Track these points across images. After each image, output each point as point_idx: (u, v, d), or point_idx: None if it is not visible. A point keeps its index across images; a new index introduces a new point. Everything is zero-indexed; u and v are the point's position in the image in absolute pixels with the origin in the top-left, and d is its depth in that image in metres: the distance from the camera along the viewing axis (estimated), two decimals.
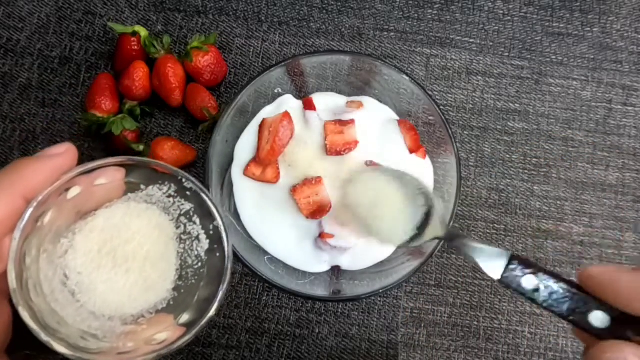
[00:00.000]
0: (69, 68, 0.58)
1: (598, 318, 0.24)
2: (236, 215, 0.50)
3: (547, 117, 0.59)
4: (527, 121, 0.59)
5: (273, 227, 0.49)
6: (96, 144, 0.56)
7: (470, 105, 0.59)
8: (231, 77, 0.58)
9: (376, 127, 0.51)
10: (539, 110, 0.59)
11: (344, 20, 0.60)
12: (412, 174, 0.44)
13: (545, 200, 0.57)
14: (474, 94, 0.59)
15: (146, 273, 0.36)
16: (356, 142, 0.49)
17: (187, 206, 0.38)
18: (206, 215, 0.38)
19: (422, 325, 0.54)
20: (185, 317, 0.36)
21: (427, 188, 0.41)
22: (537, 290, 0.26)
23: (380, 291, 0.45)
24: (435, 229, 0.39)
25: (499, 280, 0.28)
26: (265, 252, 0.50)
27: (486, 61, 0.60)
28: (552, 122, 0.59)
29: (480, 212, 0.56)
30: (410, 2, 0.61)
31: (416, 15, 0.61)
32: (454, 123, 0.58)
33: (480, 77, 0.59)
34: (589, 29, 0.61)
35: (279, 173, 0.49)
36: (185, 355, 0.52)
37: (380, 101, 0.53)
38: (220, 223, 0.38)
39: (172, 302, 0.37)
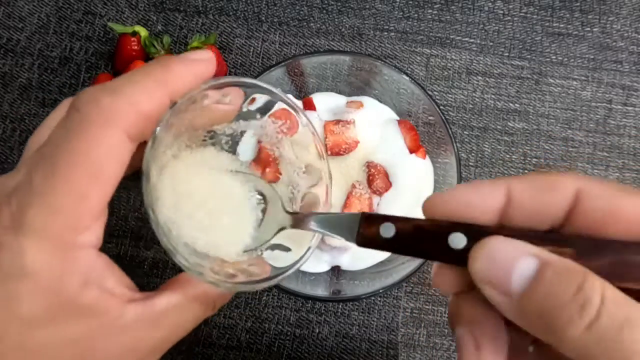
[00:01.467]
0: (69, 68, 0.58)
1: (458, 239, 0.22)
2: None
3: (547, 117, 0.59)
4: (527, 121, 0.59)
5: None
6: None
7: (470, 105, 0.59)
8: None
9: (376, 127, 0.51)
10: (539, 110, 0.59)
11: (344, 20, 0.60)
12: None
13: None
14: (474, 94, 0.59)
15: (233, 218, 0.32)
16: (356, 142, 0.49)
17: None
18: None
19: (422, 325, 0.54)
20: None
21: (259, 179, 0.36)
22: (394, 235, 0.25)
23: (380, 291, 0.46)
24: (277, 220, 0.33)
25: (358, 243, 0.26)
26: None
27: (486, 61, 0.60)
28: (552, 122, 0.59)
29: None
30: (410, 2, 0.61)
31: (416, 15, 0.61)
32: (454, 123, 0.58)
33: (480, 77, 0.59)
34: (589, 29, 0.61)
35: (279, 173, 0.49)
36: (185, 355, 0.52)
37: (380, 101, 0.53)
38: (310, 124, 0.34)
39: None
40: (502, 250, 0.21)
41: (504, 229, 0.22)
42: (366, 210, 0.48)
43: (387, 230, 0.25)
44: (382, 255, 0.50)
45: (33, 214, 0.23)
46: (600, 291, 0.19)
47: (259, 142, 0.37)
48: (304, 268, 0.50)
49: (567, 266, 0.20)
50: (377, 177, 0.48)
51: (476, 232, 0.22)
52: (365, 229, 0.26)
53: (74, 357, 0.25)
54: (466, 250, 0.22)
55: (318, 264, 0.49)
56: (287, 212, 0.34)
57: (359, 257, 0.50)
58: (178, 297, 0.29)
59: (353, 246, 0.48)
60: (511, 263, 0.20)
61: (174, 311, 0.28)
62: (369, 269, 0.50)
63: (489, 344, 0.22)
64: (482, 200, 0.23)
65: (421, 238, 0.24)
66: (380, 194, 0.49)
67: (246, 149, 0.51)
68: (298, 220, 0.32)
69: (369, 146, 0.50)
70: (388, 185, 0.49)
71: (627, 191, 0.21)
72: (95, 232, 0.28)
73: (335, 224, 0.28)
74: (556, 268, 0.20)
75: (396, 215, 0.25)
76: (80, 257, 0.26)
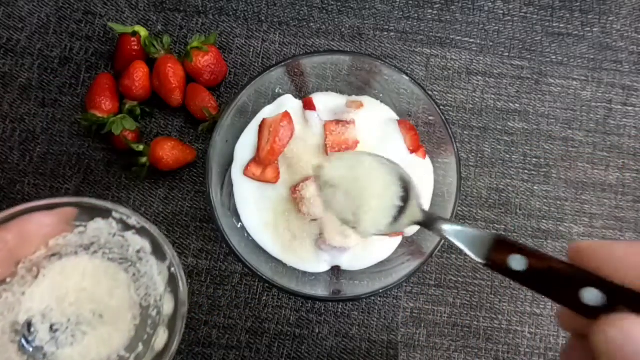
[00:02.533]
0: (69, 68, 0.58)
1: (591, 295, 0.21)
2: (236, 215, 0.50)
3: (547, 117, 0.59)
4: (527, 121, 0.59)
5: (273, 227, 0.49)
6: (96, 144, 0.56)
7: (470, 105, 0.59)
8: (231, 77, 0.58)
9: (376, 127, 0.51)
10: (539, 110, 0.59)
11: (344, 20, 0.60)
12: (390, 159, 0.40)
13: (545, 200, 0.57)
14: (474, 94, 0.59)
15: (99, 331, 0.36)
16: (356, 142, 0.49)
17: (137, 244, 0.38)
18: (159, 253, 0.37)
19: (422, 325, 0.54)
20: None
21: (405, 172, 0.38)
22: (524, 270, 0.24)
23: (380, 291, 0.45)
24: (413, 214, 0.35)
25: (484, 264, 0.27)
26: (265, 252, 0.50)
27: (486, 61, 0.60)
28: (552, 122, 0.59)
29: (480, 212, 0.56)
30: (410, 2, 0.61)
31: (416, 15, 0.61)
32: (454, 123, 0.58)
33: (480, 77, 0.59)
34: (589, 29, 0.61)
35: (279, 173, 0.49)
36: (185, 356, 0.52)
37: (380, 101, 0.53)
38: (173, 261, 0.36)
39: (128, 355, 0.37)
40: (626, 340, 0.19)
41: None
42: None
43: (518, 263, 0.25)
44: (382, 255, 0.50)
45: None
46: None
47: None
48: (304, 268, 0.50)
49: None
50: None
51: (615, 293, 0.21)
52: (497, 255, 0.26)
53: None
54: (598, 309, 0.21)
55: (318, 264, 0.49)
56: (422, 210, 0.35)
57: (359, 257, 0.50)
58: None
59: (354, 246, 0.49)
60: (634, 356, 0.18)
61: None
62: (369, 269, 0.50)
63: None
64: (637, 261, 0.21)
65: (553, 282, 0.23)
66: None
67: (246, 148, 0.51)
68: (431, 220, 0.33)
69: (369, 146, 0.50)
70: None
71: None
72: None
73: (468, 238, 0.28)
74: None
75: (529, 247, 0.24)
76: None
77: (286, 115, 0.49)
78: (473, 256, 0.27)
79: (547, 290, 0.24)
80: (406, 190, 0.36)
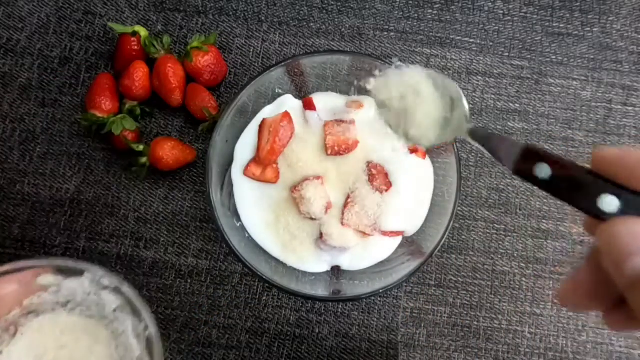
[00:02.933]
0: (69, 68, 0.58)
1: (608, 202, 0.23)
2: (236, 215, 0.50)
3: (547, 117, 0.59)
4: (527, 121, 0.59)
5: (273, 227, 0.49)
6: (96, 144, 0.56)
7: (470, 105, 0.59)
8: (231, 77, 0.58)
9: (376, 126, 0.51)
10: (539, 110, 0.59)
11: (344, 20, 0.60)
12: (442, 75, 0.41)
13: (545, 200, 0.57)
14: (474, 94, 0.59)
15: None
16: (356, 142, 0.49)
17: (113, 303, 0.37)
18: (136, 313, 0.36)
19: (422, 325, 0.54)
20: None
21: (457, 87, 0.39)
22: (550, 178, 0.26)
23: (380, 291, 0.45)
24: (460, 129, 0.36)
25: (513, 172, 0.28)
26: (265, 252, 0.50)
27: (486, 61, 0.60)
28: (552, 122, 0.59)
29: (480, 212, 0.56)
30: (410, 2, 0.61)
31: (416, 15, 0.61)
32: None
33: (480, 77, 0.59)
34: (589, 29, 0.61)
35: (279, 173, 0.49)
36: (185, 355, 0.52)
37: None
38: (149, 323, 0.35)
39: None
40: (627, 235, 0.21)
41: None
42: (365, 214, 0.48)
43: (543, 171, 0.26)
44: (382, 255, 0.50)
45: None
46: None
47: None
48: (304, 268, 0.50)
49: None
50: (377, 177, 0.48)
51: (629, 199, 0.22)
52: (522, 163, 0.27)
53: None
54: (614, 214, 0.22)
55: (318, 264, 0.49)
56: (466, 121, 0.36)
57: (359, 257, 0.50)
58: None
59: (354, 246, 0.49)
60: (626, 254, 0.21)
61: None
62: (369, 269, 0.50)
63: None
64: None
65: (574, 189, 0.24)
66: (383, 192, 0.49)
67: (246, 148, 0.51)
68: (473, 132, 0.34)
69: (369, 146, 0.50)
70: (389, 184, 0.49)
71: None
72: None
73: (498, 143, 0.30)
74: None
75: (554, 155, 0.26)
76: None
77: (286, 115, 0.49)
78: (502, 164, 0.29)
79: (568, 197, 0.25)
80: (453, 102, 0.37)
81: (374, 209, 0.48)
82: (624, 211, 0.23)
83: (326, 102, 0.52)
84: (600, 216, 0.23)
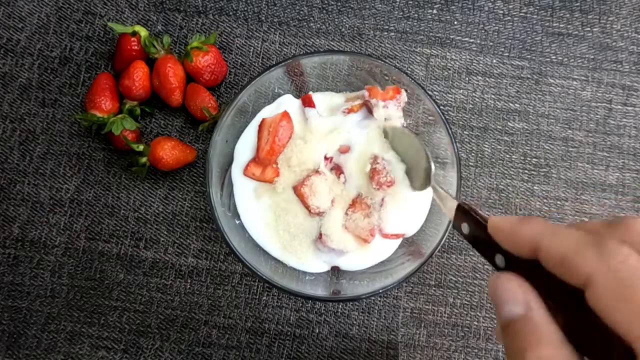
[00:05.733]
0: (69, 68, 0.58)
1: (499, 259, 0.29)
2: (236, 215, 0.50)
3: (547, 117, 0.59)
4: (527, 121, 0.59)
5: (272, 227, 0.49)
6: (96, 144, 0.56)
7: (470, 105, 0.59)
8: (231, 77, 0.58)
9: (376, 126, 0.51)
10: (539, 110, 0.59)
11: (344, 20, 0.60)
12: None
13: (545, 200, 0.57)
14: (474, 94, 0.59)
15: None
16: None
17: None
18: None
19: (422, 325, 0.54)
20: None
21: (429, 161, 0.45)
22: (469, 234, 0.33)
23: (380, 291, 0.45)
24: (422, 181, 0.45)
25: (452, 226, 0.36)
26: (265, 252, 0.50)
27: (486, 61, 0.60)
28: (552, 122, 0.59)
29: (480, 212, 0.56)
30: (410, 2, 0.61)
31: (416, 15, 0.61)
32: (454, 123, 0.58)
33: (480, 77, 0.59)
34: (589, 29, 0.61)
35: (278, 173, 0.49)
36: (185, 356, 0.52)
37: None
38: None
39: None
40: (502, 288, 0.27)
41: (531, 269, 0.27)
42: (369, 213, 0.48)
43: (466, 228, 0.33)
44: (382, 255, 0.50)
45: None
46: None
47: None
48: (304, 268, 0.50)
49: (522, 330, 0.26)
50: (381, 172, 0.48)
51: (512, 261, 0.29)
52: (455, 220, 0.35)
53: None
54: (501, 269, 0.29)
55: (318, 264, 0.49)
56: (428, 176, 0.44)
57: (359, 257, 0.50)
58: None
59: (351, 250, 0.49)
60: (502, 301, 0.27)
61: None
62: (368, 269, 0.50)
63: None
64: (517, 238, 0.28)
65: (482, 246, 0.31)
66: (384, 189, 0.49)
67: (246, 148, 0.51)
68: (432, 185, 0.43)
69: (369, 145, 0.50)
70: (391, 181, 0.49)
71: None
72: None
73: (446, 202, 0.39)
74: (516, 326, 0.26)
75: (474, 217, 0.33)
76: None
77: (285, 115, 0.49)
78: (447, 213, 0.37)
79: (480, 251, 0.32)
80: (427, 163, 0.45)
81: (375, 217, 0.48)
82: (507, 267, 0.29)
83: (325, 99, 0.52)
84: (497, 270, 0.29)
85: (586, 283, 0.23)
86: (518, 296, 0.26)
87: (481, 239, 0.31)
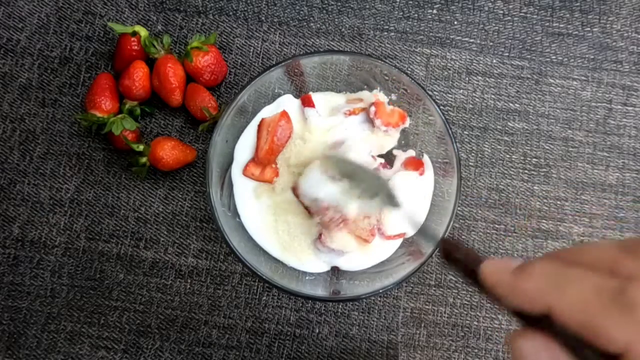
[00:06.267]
0: (69, 68, 0.58)
1: None
2: (236, 215, 0.50)
3: (547, 117, 0.59)
4: (527, 121, 0.59)
5: (272, 227, 0.49)
6: (96, 144, 0.56)
7: (470, 105, 0.59)
8: (231, 77, 0.58)
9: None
10: (539, 110, 0.59)
11: (344, 20, 0.60)
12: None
13: (545, 200, 0.57)
14: (474, 94, 0.59)
15: None
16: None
17: None
18: None
19: (422, 325, 0.54)
20: None
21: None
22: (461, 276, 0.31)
23: (380, 291, 0.45)
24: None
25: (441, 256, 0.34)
26: (265, 252, 0.50)
27: (486, 61, 0.60)
28: (552, 122, 0.59)
29: (480, 212, 0.56)
30: (410, 2, 0.61)
31: (416, 15, 0.61)
32: (454, 123, 0.58)
33: (480, 77, 0.59)
34: (589, 29, 0.61)
35: (277, 173, 0.49)
36: (185, 355, 0.52)
37: None
38: None
39: None
40: (528, 352, 0.23)
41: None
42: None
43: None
44: (382, 255, 0.50)
45: None
46: None
47: None
48: (304, 268, 0.50)
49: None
50: (382, 112, 0.48)
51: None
52: (440, 250, 0.33)
53: None
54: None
55: (317, 264, 0.49)
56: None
57: (359, 258, 0.50)
58: None
59: (351, 250, 0.49)
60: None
61: None
62: (368, 269, 0.50)
63: None
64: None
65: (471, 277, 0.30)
66: (391, 126, 0.48)
67: (246, 148, 0.51)
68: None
69: (369, 144, 0.50)
70: (404, 116, 0.49)
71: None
72: None
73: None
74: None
75: (469, 257, 0.31)
76: None
77: (284, 114, 0.49)
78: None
79: (469, 283, 0.30)
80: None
81: (375, 220, 0.48)
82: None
83: (325, 99, 0.52)
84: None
85: (623, 353, 0.19)
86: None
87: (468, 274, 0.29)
